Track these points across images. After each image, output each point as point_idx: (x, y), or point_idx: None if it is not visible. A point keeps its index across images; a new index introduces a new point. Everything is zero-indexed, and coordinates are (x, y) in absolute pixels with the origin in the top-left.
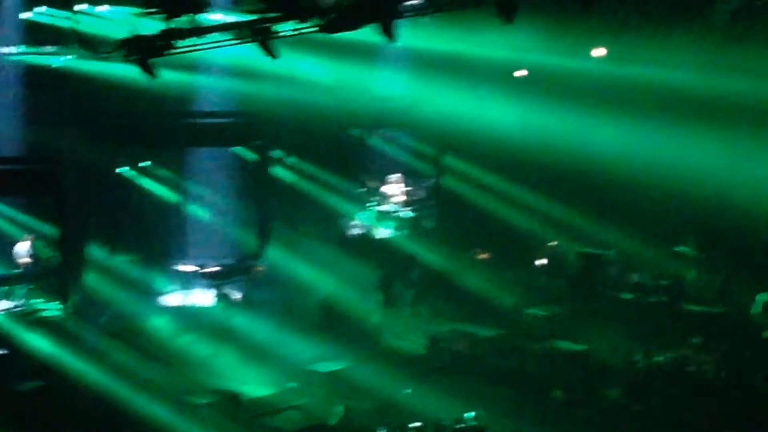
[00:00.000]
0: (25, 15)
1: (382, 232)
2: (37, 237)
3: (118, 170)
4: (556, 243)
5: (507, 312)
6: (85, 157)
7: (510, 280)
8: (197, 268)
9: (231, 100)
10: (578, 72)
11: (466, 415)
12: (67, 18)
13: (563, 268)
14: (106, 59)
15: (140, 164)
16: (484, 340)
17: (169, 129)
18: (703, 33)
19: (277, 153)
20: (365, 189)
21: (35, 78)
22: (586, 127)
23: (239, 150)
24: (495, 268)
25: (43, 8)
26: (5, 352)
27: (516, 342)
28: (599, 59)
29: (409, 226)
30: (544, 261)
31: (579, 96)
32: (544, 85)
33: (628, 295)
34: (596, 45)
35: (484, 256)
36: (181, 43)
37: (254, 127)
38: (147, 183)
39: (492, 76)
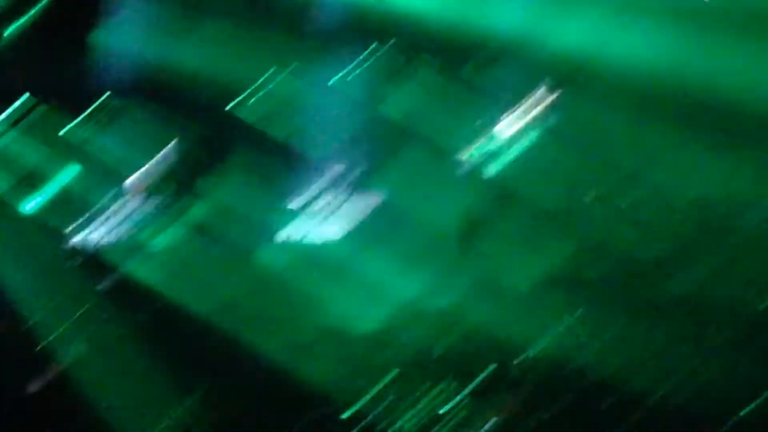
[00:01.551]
0: None
1: (494, 168)
2: (151, 168)
3: None
4: None
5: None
6: None
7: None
8: (308, 202)
9: None
10: None
11: None
12: None
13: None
14: None
15: None
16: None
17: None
18: None
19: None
20: (480, 123)
21: None
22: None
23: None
24: (610, 207)
25: None
26: (114, 282)
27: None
28: None
29: (521, 163)
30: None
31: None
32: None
33: None
34: None
35: (597, 195)
36: None
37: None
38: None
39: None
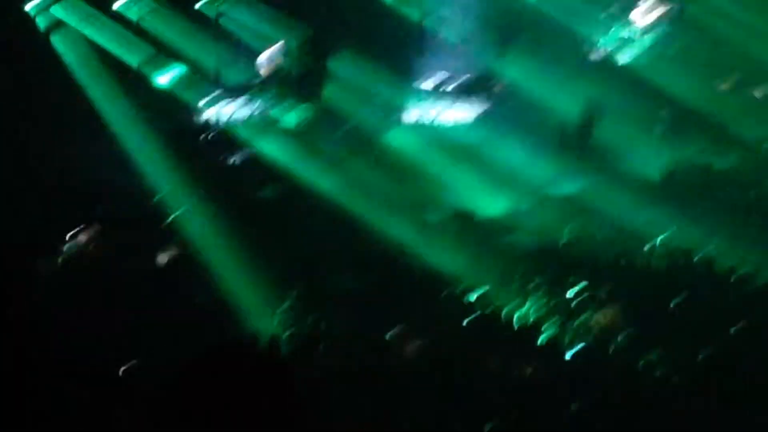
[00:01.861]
0: None
1: (625, 57)
2: (292, 39)
3: None
4: None
5: (748, 144)
6: None
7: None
8: (438, 84)
9: None
10: None
11: None
12: None
13: None
14: None
15: None
16: (720, 172)
17: None
18: None
19: None
20: (609, 12)
21: None
22: None
23: None
24: (740, 97)
25: None
26: (246, 158)
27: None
28: None
29: (653, 52)
30: None
31: None
32: None
33: None
34: None
35: (727, 85)
36: None
37: None
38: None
39: None
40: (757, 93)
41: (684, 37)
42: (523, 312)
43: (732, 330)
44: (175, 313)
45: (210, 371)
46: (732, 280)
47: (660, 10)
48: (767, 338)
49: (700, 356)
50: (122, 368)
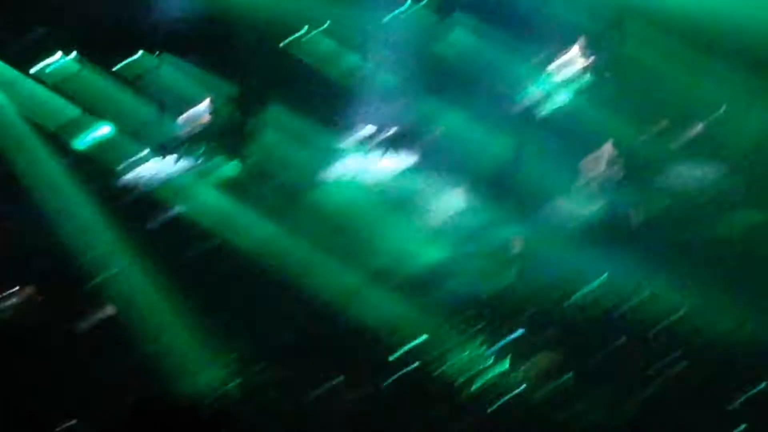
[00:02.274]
0: None
1: (556, 103)
2: (217, 96)
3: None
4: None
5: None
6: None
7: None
8: (369, 136)
9: None
10: None
11: None
12: None
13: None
14: None
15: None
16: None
17: None
18: None
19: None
20: (542, 56)
21: None
22: None
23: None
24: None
25: None
26: (176, 215)
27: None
28: None
29: (583, 97)
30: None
31: None
32: None
33: None
34: None
35: (662, 125)
36: None
37: None
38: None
39: None
40: (688, 135)
41: (614, 81)
42: (460, 361)
43: (666, 374)
44: (108, 372)
45: (143, 429)
46: (666, 324)
47: (589, 56)
48: (703, 381)
49: (635, 401)
50: (57, 429)
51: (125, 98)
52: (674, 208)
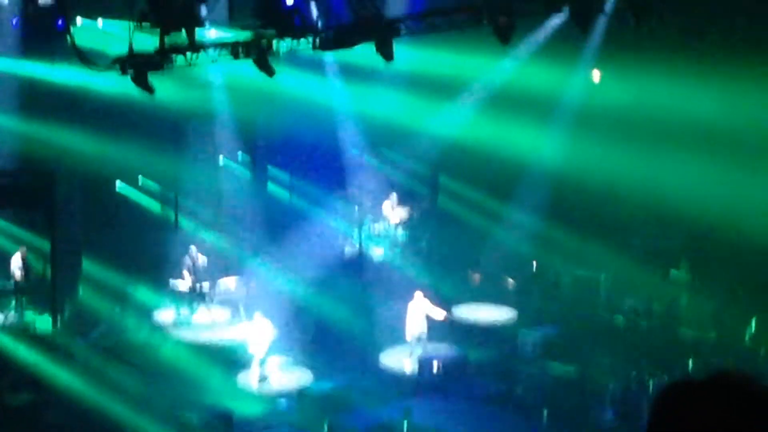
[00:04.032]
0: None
1: (377, 251)
2: (29, 250)
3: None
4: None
5: (500, 333)
6: (78, 171)
7: (503, 301)
8: (193, 287)
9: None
10: (571, 94)
11: None
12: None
13: (558, 290)
14: (101, 73)
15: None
16: (474, 362)
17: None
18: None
19: (272, 170)
20: (360, 208)
21: (29, 91)
22: (579, 150)
23: (231, 165)
24: (487, 289)
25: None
26: None
27: (508, 364)
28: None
29: (404, 246)
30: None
31: (571, 118)
32: (542, 107)
33: (621, 319)
34: (593, 67)
35: (477, 277)
36: (178, 59)
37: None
38: (140, 197)
39: (488, 97)
40: (507, 283)
41: (434, 231)
42: None
43: None
44: None
45: None
46: None
47: (408, 207)
48: None
49: None
50: None
51: None
52: (495, 357)
